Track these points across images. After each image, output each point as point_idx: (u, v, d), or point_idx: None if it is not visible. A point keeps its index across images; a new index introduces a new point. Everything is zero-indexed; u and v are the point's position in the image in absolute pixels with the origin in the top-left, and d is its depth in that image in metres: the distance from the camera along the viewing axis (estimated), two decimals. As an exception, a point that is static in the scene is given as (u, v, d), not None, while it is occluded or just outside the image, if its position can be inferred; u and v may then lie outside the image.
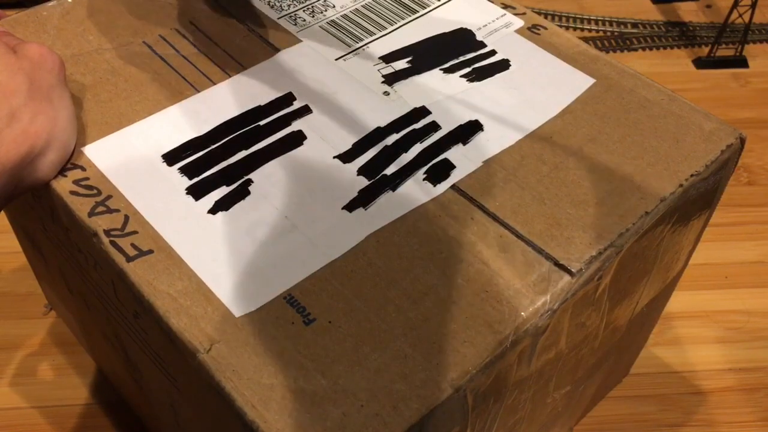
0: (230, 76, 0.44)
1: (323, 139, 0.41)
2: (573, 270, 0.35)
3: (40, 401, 0.61)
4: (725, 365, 0.65)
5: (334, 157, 0.40)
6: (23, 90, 0.36)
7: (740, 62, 0.93)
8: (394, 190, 0.38)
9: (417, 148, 0.40)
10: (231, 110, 0.42)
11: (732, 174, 0.44)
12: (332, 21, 0.48)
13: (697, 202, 0.42)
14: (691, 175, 0.40)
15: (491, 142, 0.41)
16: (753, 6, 0.87)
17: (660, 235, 0.41)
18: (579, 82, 0.45)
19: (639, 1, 1.02)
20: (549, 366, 0.39)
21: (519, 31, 0.48)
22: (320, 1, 0.50)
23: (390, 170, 0.39)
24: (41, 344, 0.64)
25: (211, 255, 0.35)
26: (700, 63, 0.93)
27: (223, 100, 0.42)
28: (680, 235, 0.44)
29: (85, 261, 0.40)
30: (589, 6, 1.01)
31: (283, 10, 0.49)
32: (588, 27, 0.98)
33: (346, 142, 0.40)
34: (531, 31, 0.48)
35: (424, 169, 0.39)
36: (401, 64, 0.45)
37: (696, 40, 0.96)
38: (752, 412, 0.62)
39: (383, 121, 0.41)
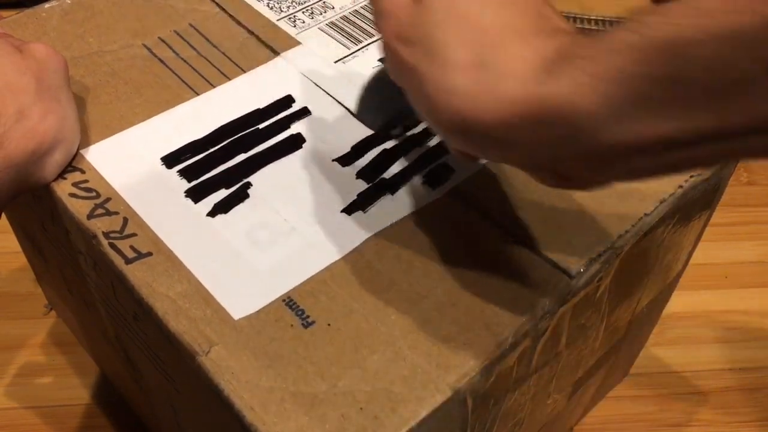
0: (229, 79, 0.44)
1: (322, 142, 0.41)
2: (573, 272, 0.35)
3: (40, 401, 0.61)
4: (725, 365, 0.65)
5: (333, 160, 0.40)
6: (32, 89, 0.36)
7: (740, 61, 0.93)
8: (393, 193, 0.38)
9: (416, 152, 0.40)
10: (230, 113, 0.42)
11: (732, 174, 0.44)
12: (332, 23, 0.48)
13: (697, 202, 0.42)
14: (691, 176, 0.40)
15: (490, 143, 0.41)
16: (753, 5, 0.87)
17: (660, 236, 0.41)
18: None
19: (639, 1, 1.02)
20: (549, 367, 0.39)
21: (518, 32, 0.48)
22: (319, 3, 0.50)
23: (389, 173, 0.39)
24: (41, 344, 0.64)
25: (210, 257, 0.35)
26: (701, 62, 0.92)
27: (222, 103, 0.42)
28: (680, 235, 0.44)
29: (84, 262, 0.40)
30: (590, 6, 1.01)
31: (282, 11, 0.49)
32: (588, 27, 0.98)
33: (345, 145, 0.40)
34: (530, 32, 0.48)
35: (424, 172, 0.39)
36: (400, 65, 0.45)
37: (696, 40, 0.96)
38: (752, 412, 0.62)
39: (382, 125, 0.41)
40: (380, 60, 0.45)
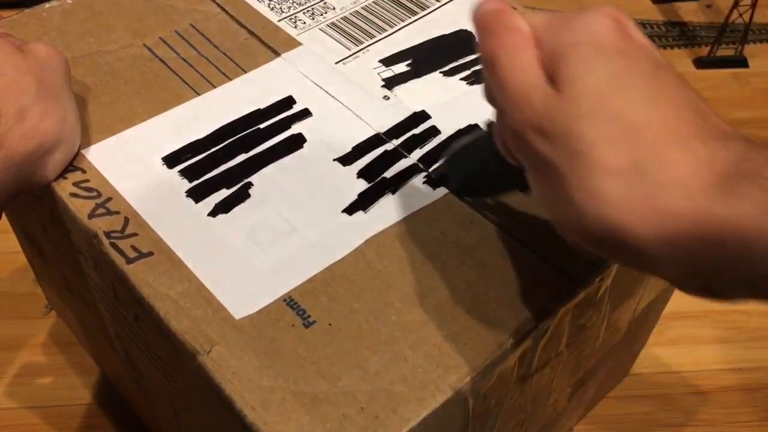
0: (230, 79, 0.44)
1: (323, 143, 0.41)
2: (573, 273, 0.35)
3: (40, 401, 0.61)
4: (725, 365, 0.65)
5: (334, 160, 0.40)
6: (32, 89, 0.36)
7: (740, 62, 0.93)
8: (393, 193, 0.38)
9: (417, 153, 0.40)
10: (231, 113, 0.42)
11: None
12: (332, 23, 0.48)
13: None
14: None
15: (491, 144, 0.41)
16: (753, 6, 0.87)
17: (660, 237, 0.41)
18: (579, 84, 0.45)
19: (639, 1, 1.02)
20: (550, 367, 0.39)
21: (519, 33, 0.48)
22: (320, 3, 0.50)
23: (390, 173, 0.39)
24: (41, 344, 0.64)
25: (211, 257, 0.35)
26: (700, 63, 0.93)
27: (223, 103, 0.42)
28: (680, 236, 0.44)
29: (85, 262, 0.40)
30: (590, 6, 1.01)
31: (283, 12, 0.49)
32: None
33: (346, 146, 0.40)
34: (531, 33, 0.48)
35: (425, 173, 0.39)
36: (401, 67, 0.45)
37: (696, 40, 0.96)
38: (752, 412, 0.62)
39: (383, 126, 0.42)
40: (488, 125, 0.42)
